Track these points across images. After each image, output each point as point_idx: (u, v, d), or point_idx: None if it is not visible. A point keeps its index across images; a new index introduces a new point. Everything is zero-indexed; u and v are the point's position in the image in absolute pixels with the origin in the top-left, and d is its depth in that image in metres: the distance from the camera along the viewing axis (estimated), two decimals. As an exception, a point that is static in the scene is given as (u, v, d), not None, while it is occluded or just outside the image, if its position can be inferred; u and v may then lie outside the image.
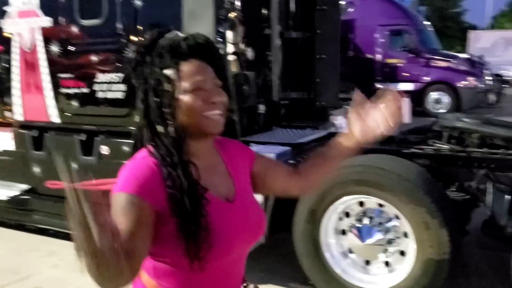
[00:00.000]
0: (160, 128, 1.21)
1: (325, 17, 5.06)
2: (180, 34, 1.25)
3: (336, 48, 5.43)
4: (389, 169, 3.03)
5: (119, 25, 3.63)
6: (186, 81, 1.19)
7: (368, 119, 1.34)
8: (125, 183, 1.18)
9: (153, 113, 1.21)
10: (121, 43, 3.64)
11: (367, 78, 11.60)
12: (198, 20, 3.26)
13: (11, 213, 4.55)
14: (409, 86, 12.34)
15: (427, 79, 12.44)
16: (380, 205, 3.10)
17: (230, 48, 3.94)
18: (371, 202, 3.13)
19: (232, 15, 4.18)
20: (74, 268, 3.98)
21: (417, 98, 12.03)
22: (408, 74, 12.61)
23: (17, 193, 4.41)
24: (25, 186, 4.42)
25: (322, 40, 4.75)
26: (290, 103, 4.48)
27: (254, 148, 3.57)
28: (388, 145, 3.71)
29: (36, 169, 4.29)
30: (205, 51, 1.23)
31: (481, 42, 28.34)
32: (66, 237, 4.35)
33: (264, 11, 4.62)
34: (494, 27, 42.10)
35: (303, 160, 1.50)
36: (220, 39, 3.57)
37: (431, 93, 12.41)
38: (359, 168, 3.10)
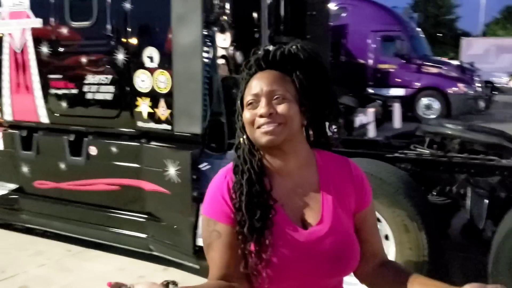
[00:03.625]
0: (240, 139, 1.26)
1: (315, 22, 5.14)
2: (268, 49, 1.24)
3: (325, 53, 5.51)
4: (371, 172, 3.09)
5: (108, 27, 3.67)
6: (247, 95, 1.22)
7: None
8: (204, 203, 1.28)
9: (237, 125, 1.28)
10: (111, 45, 3.68)
11: (359, 83, 11.69)
12: (186, 23, 3.30)
13: (-1, 212, 4.58)
14: (400, 92, 12.45)
15: (418, 84, 12.56)
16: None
17: (219, 52, 4.01)
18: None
19: (222, 18, 4.24)
20: (60, 268, 4.01)
21: (408, 103, 12.13)
22: (399, 80, 12.72)
23: (5, 192, 4.44)
24: (13, 186, 4.44)
25: (311, 45, 4.80)
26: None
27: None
28: (372, 149, 3.78)
29: (25, 169, 4.31)
30: (279, 62, 1.22)
31: (473, 49, 28.59)
32: (54, 237, 4.40)
33: (254, 15, 4.69)
34: (487, 34, 42.44)
35: (395, 266, 1.35)
36: (209, 43, 3.62)
37: (422, 98, 12.53)
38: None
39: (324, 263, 1.20)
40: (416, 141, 3.59)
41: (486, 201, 3.07)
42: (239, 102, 1.26)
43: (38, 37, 4.02)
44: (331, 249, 1.20)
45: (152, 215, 3.75)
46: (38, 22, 4.00)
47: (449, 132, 3.40)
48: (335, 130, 1.33)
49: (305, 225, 1.22)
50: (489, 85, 14.75)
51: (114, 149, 3.85)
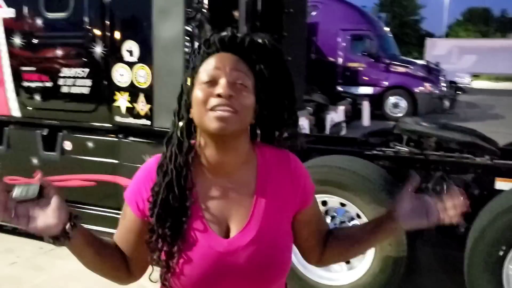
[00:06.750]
0: (178, 124, 1.14)
1: (292, 20, 5.15)
2: (235, 32, 1.13)
3: (302, 51, 5.54)
4: (353, 169, 3.14)
5: (86, 19, 3.58)
6: (203, 73, 1.09)
7: (419, 207, 1.16)
8: (128, 185, 1.21)
9: (177, 109, 1.16)
10: (88, 38, 3.59)
11: (329, 81, 11.84)
12: (168, 17, 3.26)
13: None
14: (368, 90, 12.69)
15: (386, 83, 12.83)
16: (342, 205, 3.20)
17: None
18: (334, 201, 3.22)
19: (200, 14, 4.20)
20: (32, 266, 3.89)
21: (376, 101, 12.37)
22: (368, 78, 12.94)
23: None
24: (-18, 181, 4.28)
25: (288, 43, 4.83)
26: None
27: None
28: (350, 146, 3.84)
29: (-5, 164, 4.17)
30: (244, 48, 1.10)
31: (437, 49, 29.37)
32: (24, 234, 4.26)
33: (231, 12, 4.66)
34: (449, 36, 43.68)
35: (336, 235, 1.30)
36: (188, 38, 3.58)
37: (389, 97, 12.80)
38: (324, 169, 3.20)
39: (241, 277, 1.10)
40: (394, 139, 3.66)
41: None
42: (187, 81, 1.13)
43: (10, 28, 3.88)
44: (250, 262, 1.09)
45: (129, 211, 3.69)
46: (10, 12, 3.86)
47: (426, 131, 3.48)
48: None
49: (228, 233, 1.12)
50: (453, 85, 15.18)
51: (90, 144, 3.77)
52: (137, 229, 1.15)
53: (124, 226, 1.19)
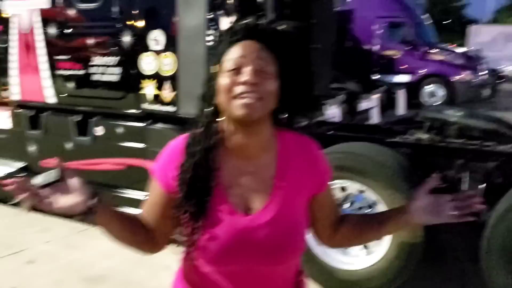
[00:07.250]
0: (204, 109, 1.20)
1: (320, 7, 5.14)
2: (257, 20, 1.17)
3: (330, 38, 5.53)
4: (372, 156, 3.16)
5: (114, 9, 3.72)
6: (228, 61, 1.14)
7: (433, 205, 1.21)
8: (156, 161, 1.28)
9: (203, 94, 1.22)
10: (117, 27, 3.74)
11: (364, 69, 11.66)
12: (191, 6, 3.36)
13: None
14: (405, 78, 12.43)
15: (422, 71, 12.54)
16: (361, 191, 3.23)
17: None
18: (353, 187, 3.26)
19: (227, 1, 4.27)
20: (66, 244, 4.10)
21: (413, 90, 12.09)
22: (404, 66, 12.68)
23: (12, 170, 4.54)
24: (20, 164, 4.54)
25: (317, 30, 4.83)
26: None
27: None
28: (372, 134, 3.84)
29: (32, 148, 4.41)
30: (268, 35, 1.15)
31: (481, 36, 28.32)
32: (60, 214, 4.48)
33: (259, -1, 4.69)
34: (496, 22, 41.98)
35: (348, 220, 1.36)
36: (215, 26, 3.66)
37: (426, 85, 12.52)
38: (344, 155, 3.23)
39: (257, 254, 1.16)
40: (416, 126, 3.64)
41: (483, 185, 3.14)
42: (212, 68, 1.19)
43: (45, 18, 4.09)
44: (268, 240, 1.16)
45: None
46: (45, 3, 4.05)
47: (447, 118, 3.45)
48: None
49: (248, 211, 1.19)
50: (496, 73, 14.67)
51: (119, 130, 3.94)
52: (162, 202, 1.23)
53: (151, 199, 1.26)
